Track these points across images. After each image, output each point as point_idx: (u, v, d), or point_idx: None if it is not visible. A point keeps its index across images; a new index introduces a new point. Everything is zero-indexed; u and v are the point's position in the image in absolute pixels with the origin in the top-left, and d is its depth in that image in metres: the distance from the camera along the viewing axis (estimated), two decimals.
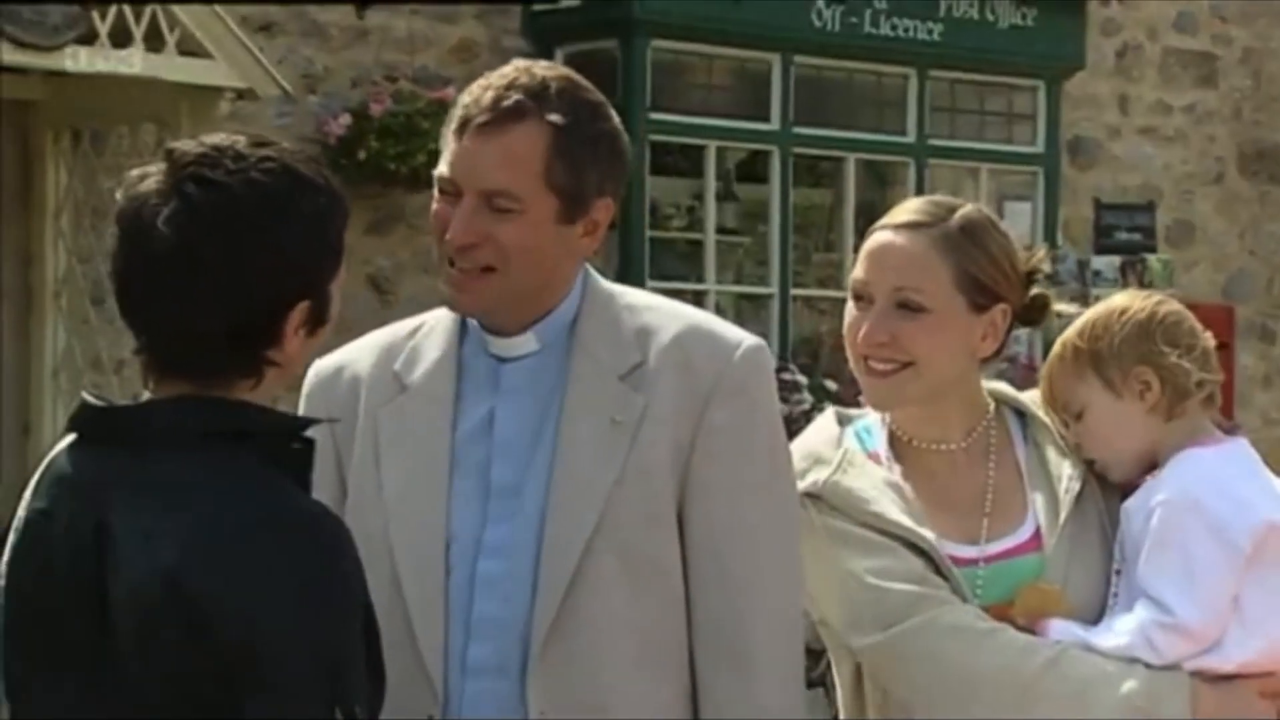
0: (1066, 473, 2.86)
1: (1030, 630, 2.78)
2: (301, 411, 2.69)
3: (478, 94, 2.69)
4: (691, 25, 10.86)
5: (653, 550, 2.68)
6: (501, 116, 2.65)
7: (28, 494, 2.33)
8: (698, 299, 11.26)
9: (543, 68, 2.73)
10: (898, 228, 2.87)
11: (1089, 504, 2.86)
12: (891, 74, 11.70)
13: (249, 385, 2.28)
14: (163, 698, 2.17)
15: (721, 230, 11.39)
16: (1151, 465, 2.85)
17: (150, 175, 2.26)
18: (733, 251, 11.74)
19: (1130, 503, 2.82)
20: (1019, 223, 12.40)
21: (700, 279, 11.16)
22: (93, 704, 2.20)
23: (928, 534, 2.81)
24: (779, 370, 10.60)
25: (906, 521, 2.81)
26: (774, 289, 11.32)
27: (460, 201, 2.67)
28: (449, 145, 2.71)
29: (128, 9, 8.32)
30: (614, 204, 2.73)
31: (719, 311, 11.43)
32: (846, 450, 2.89)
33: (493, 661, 2.67)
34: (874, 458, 2.90)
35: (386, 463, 2.69)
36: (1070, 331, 2.88)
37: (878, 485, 2.85)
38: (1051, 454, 2.88)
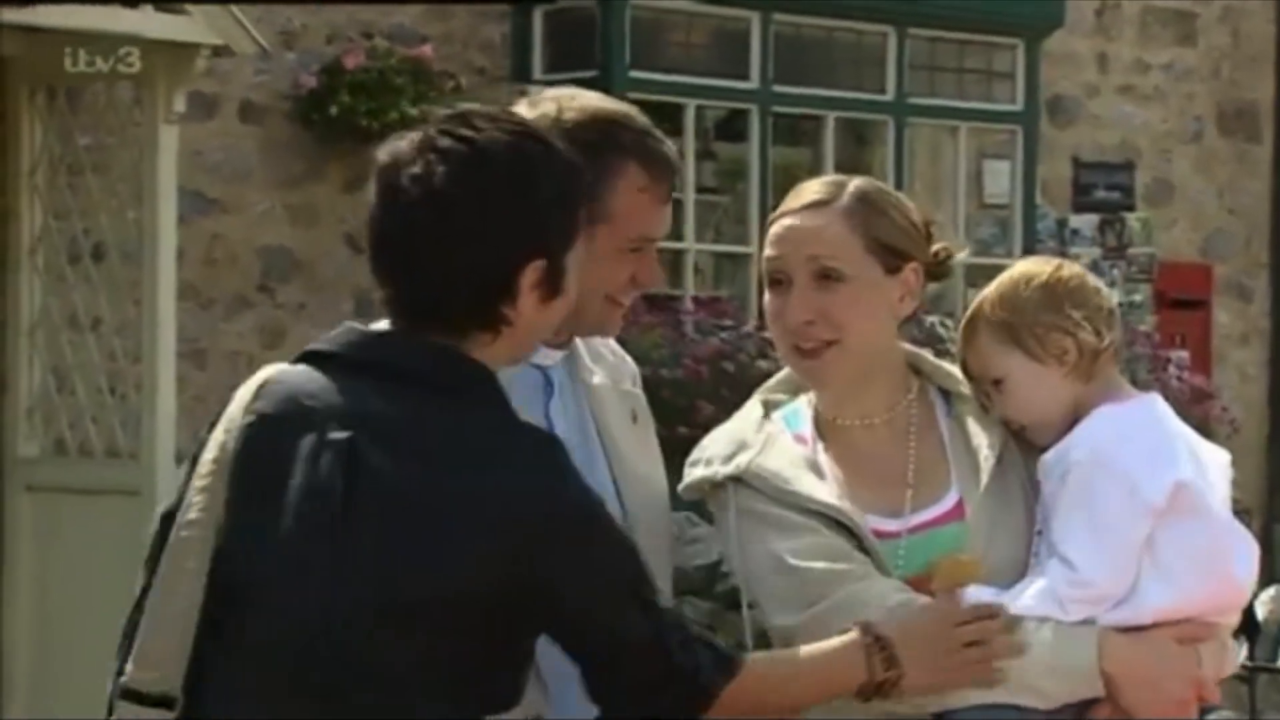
0: (986, 442, 2.91)
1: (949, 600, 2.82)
2: None
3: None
4: None
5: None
6: None
7: (243, 403, 2.49)
8: (677, 257, 11.25)
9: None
10: (799, 210, 2.94)
11: (1010, 470, 2.91)
12: (871, 32, 11.68)
13: (486, 339, 2.45)
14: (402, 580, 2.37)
15: (700, 189, 11.37)
16: (1074, 425, 2.90)
17: (406, 136, 2.45)
18: (712, 210, 11.73)
19: (1046, 458, 2.87)
20: (998, 181, 12.40)
21: (679, 237, 11.14)
22: (335, 582, 2.38)
23: (849, 508, 2.86)
24: (759, 329, 10.59)
25: (827, 498, 2.86)
26: (753, 248, 11.31)
27: None
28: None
29: None
30: None
31: (697, 271, 11.43)
32: (769, 433, 2.95)
33: None
34: (800, 439, 2.96)
35: None
36: (979, 307, 2.94)
37: (797, 464, 2.91)
38: (973, 425, 2.93)
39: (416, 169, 2.40)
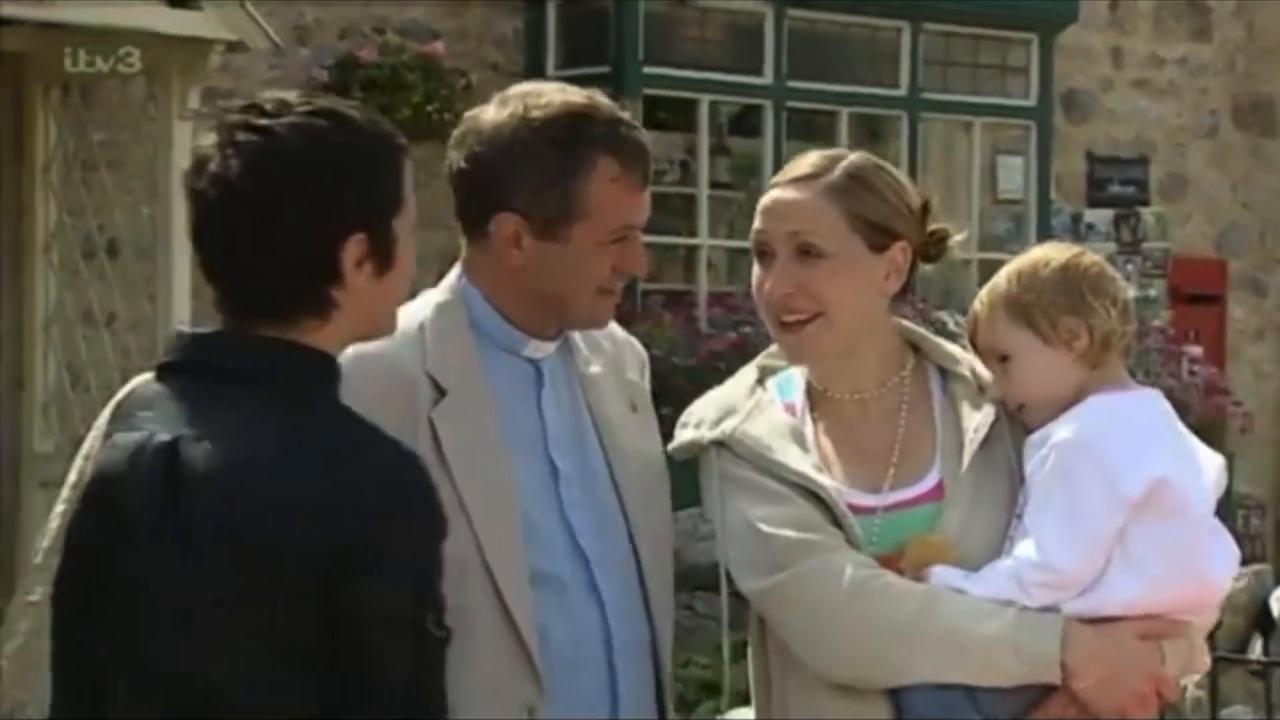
0: (975, 423, 2.90)
1: (917, 579, 2.82)
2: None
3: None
4: None
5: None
6: None
7: (102, 424, 2.49)
8: (691, 253, 11.25)
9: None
10: (787, 183, 2.95)
11: (998, 453, 2.90)
12: (885, 27, 11.67)
13: (317, 324, 2.40)
14: (231, 580, 2.32)
15: (714, 184, 11.37)
16: None
17: (209, 138, 2.44)
18: (726, 206, 11.72)
19: (1032, 438, 2.86)
20: (1012, 177, 12.39)
21: (693, 233, 11.15)
22: (169, 580, 2.34)
23: (826, 481, 2.86)
24: None
25: (804, 469, 2.86)
26: None
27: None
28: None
29: None
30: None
31: (711, 266, 11.43)
32: (759, 400, 2.96)
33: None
34: (790, 408, 2.97)
35: (455, 467, 2.79)
36: (996, 282, 2.93)
37: (781, 433, 2.91)
38: (965, 406, 2.93)
39: (215, 168, 2.40)
